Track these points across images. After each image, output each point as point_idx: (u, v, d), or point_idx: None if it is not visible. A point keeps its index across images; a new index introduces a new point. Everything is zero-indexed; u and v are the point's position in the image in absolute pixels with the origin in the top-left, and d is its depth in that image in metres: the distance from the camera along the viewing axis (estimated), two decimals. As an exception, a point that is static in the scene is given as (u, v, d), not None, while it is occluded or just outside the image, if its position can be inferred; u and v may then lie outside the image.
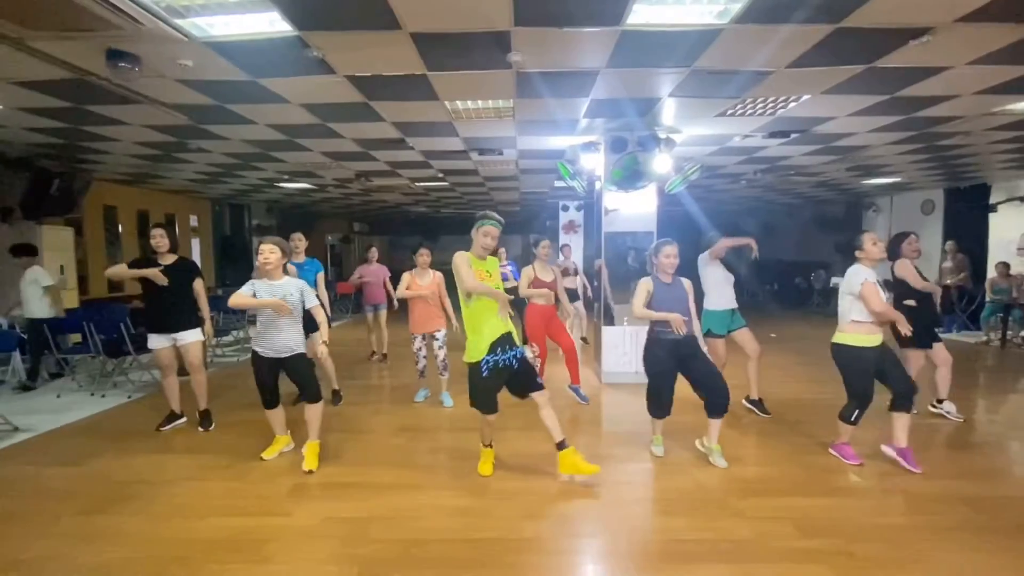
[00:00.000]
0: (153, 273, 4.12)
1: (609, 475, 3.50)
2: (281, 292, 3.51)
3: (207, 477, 3.49)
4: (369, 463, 3.68)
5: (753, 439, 4.12)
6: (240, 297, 3.44)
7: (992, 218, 9.55)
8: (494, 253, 3.43)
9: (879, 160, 7.41)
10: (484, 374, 3.22)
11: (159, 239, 4.24)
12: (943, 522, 2.84)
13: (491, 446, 3.56)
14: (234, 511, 3.03)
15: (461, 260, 3.19)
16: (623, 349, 5.90)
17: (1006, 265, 8.25)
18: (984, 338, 8.21)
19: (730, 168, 8.11)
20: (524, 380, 3.34)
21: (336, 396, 5.18)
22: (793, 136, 5.90)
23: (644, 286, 3.56)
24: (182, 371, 4.45)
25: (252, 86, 4.06)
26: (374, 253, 7.28)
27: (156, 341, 4.27)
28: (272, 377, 3.63)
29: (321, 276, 5.00)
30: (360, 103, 4.56)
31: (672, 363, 3.55)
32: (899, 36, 3.24)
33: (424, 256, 4.97)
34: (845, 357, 3.48)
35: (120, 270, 4.30)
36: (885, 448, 3.59)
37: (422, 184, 9.62)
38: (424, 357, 5.02)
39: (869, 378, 3.41)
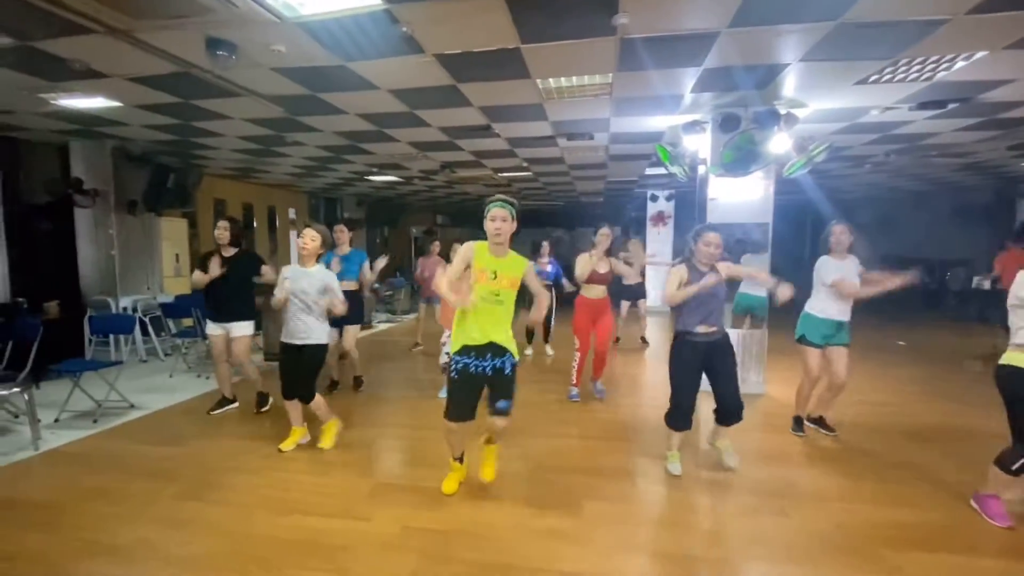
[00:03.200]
0: (212, 274, 4.22)
1: (718, 504, 3.01)
2: (308, 279, 3.51)
3: (293, 468, 3.44)
4: (435, 464, 3.43)
5: (888, 472, 3.39)
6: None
7: None
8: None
9: (1058, 135, 6.07)
10: (454, 375, 2.86)
11: (221, 231, 4.36)
12: None
13: (461, 460, 3.15)
14: (315, 509, 2.92)
15: (461, 251, 2.81)
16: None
17: None
18: None
19: (856, 149, 7.06)
20: (492, 391, 2.90)
21: (357, 382, 5.26)
22: (950, 107, 4.92)
23: (676, 274, 3.17)
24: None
25: (342, 72, 3.96)
26: (436, 246, 7.19)
27: (211, 328, 4.42)
28: (292, 366, 3.58)
29: (367, 264, 5.04)
30: (448, 87, 4.33)
31: (698, 365, 3.17)
32: None
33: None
34: (1014, 385, 2.65)
35: (198, 279, 4.34)
36: None
37: (505, 175, 9.39)
38: (448, 353, 4.73)
39: None
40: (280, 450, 3.67)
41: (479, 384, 2.87)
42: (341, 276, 4.89)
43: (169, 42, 3.45)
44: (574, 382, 4.91)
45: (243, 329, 4.39)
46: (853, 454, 3.65)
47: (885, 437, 3.97)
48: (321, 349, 3.64)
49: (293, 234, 11.59)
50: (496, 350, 2.84)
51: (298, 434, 3.79)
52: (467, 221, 19.66)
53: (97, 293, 6.68)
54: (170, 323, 6.80)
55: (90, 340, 6.16)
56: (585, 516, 2.84)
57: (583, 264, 4.59)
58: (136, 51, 3.56)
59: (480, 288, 2.79)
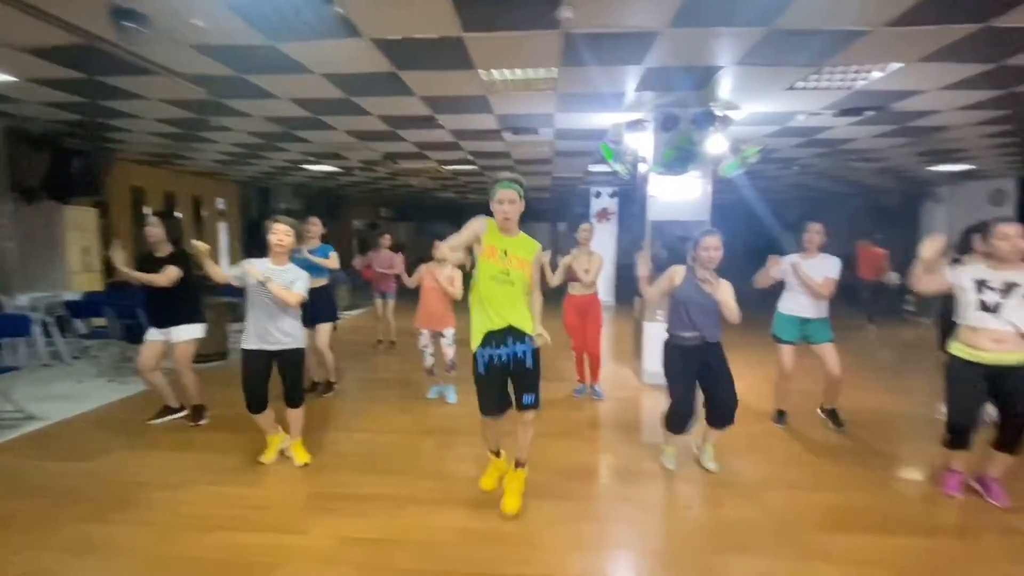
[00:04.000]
0: (148, 279, 3.82)
1: (663, 497, 3.08)
2: (283, 278, 3.19)
3: (220, 481, 3.18)
4: (393, 471, 3.33)
5: (817, 458, 3.60)
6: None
7: (1075, 210, 8.65)
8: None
9: (958, 143, 6.66)
10: (480, 370, 2.78)
11: (152, 229, 3.95)
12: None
13: (499, 454, 3.08)
14: (246, 524, 2.71)
15: (472, 224, 2.71)
16: (667, 347, 5.41)
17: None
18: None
19: (785, 152, 7.45)
20: (515, 385, 2.82)
21: (328, 387, 4.92)
22: (867, 114, 5.26)
23: (670, 273, 3.19)
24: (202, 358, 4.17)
25: (271, 53, 3.69)
26: (387, 239, 7.00)
27: (150, 334, 4.02)
28: (262, 376, 3.27)
29: (334, 254, 4.70)
30: (388, 73, 4.15)
31: (692, 368, 3.15)
32: (1039, -18, 2.65)
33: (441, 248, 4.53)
34: (946, 369, 2.97)
35: (131, 274, 3.89)
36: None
37: (450, 167, 9.22)
38: (431, 355, 4.66)
39: (967, 394, 2.86)
40: (263, 461, 3.39)
41: (505, 375, 2.78)
42: (312, 274, 4.64)
43: (68, 9, 3.07)
44: (578, 378, 4.91)
45: (187, 333, 4.00)
46: (787, 442, 3.84)
47: (817, 424, 4.20)
48: (301, 353, 3.37)
49: (222, 226, 10.89)
50: (515, 334, 2.73)
51: (277, 441, 3.49)
52: (413, 215, 19.23)
53: (-12, 290, 5.98)
54: (79, 323, 6.19)
55: (-20, 343, 5.49)
56: (530, 517, 2.80)
57: (561, 268, 4.56)
58: (27, 18, 3.15)
59: (489, 267, 2.67)
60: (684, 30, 3.34)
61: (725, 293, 3.04)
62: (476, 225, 2.71)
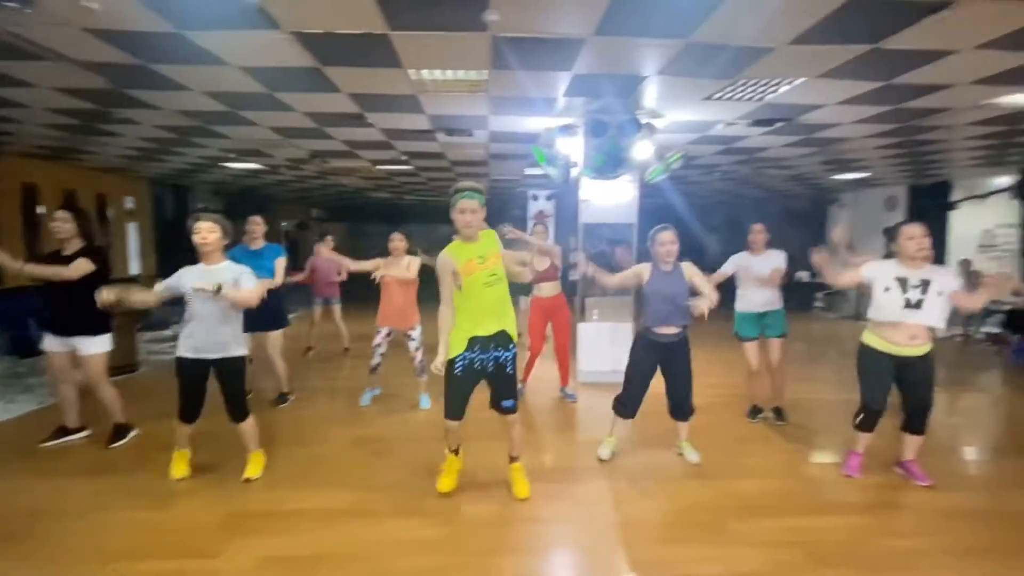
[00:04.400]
0: (53, 272, 3.41)
1: (594, 491, 3.15)
2: (216, 278, 2.96)
3: (123, 505, 2.92)
4: (319, 484, 3.19)
5: (740, 447, 3.84)
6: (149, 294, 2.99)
7: (952, 215, 9.73)
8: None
9: (855, 154, 7.31)
10: (456, 371, 2.79)
11: (59, 224, 3.55)
12: (957, 543, 2.61)
13: (458, 452, 3.10)
14: (151, 552, 2.50)
15: (442, 267, 2.76)
16: (600, 346, 5.56)
17: (968, 262, 8.37)
18: (947, 334, 8.32)
19: (707, 159, 7.87)
20: (495, 390, 2.91)
21: (281, 398, 4.65)
22: (777, 125, 5.66)
23: (637, 268, 3.37)
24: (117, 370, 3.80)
25: (180, 41, 3.43)
26: (329, 242, 6.69)
27: (50, 343, 3.60)
28: (200, 386, 3.07)
29: (281, 262, 4.44)
30: (311, 69, 3.98)
31: (654, 360, 3.35)
32: (916, 10, 2.94)
33: (397, 242, 4.40)
34: (857, 356, 3.26)
35: (32, 270, 3.44)
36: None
37: (384, 167, 9.00)
38: (382, 354, 4.50)
39: (876, 381, 3.14)
40: (174, 478, 3.15)
41: (479, 379, 2.84)
42: (258, 275, 4.33)
43: (-71, -17, 2.71)
44: (522, 379, 4.84)
45: (97, 345, 3.60)
46: (709, 432, 4.03)
47: (736, 415, 4.45)
48: (242, 361, 3.14)
49: (132, 226, 10.03)
50: (502, 339, 2.79)
51: (186, 456, 3.25)
52: (345, 215, 18.60)
53: None
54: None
55: None
56: (461, 522, 2.78)
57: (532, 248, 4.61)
58: None
59: (478, 278, 2.71)
60: (608, 39, 3.44)
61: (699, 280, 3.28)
62: (445, 267, 2.76)
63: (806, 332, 9.09)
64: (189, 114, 5.35)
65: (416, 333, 4.47)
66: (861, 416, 3.22)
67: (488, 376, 2.86)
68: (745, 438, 4.00)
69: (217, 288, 2.86)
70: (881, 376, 3.12)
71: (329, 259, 6.49)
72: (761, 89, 4.46)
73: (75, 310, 3.49)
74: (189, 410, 3.10)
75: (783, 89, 4.44)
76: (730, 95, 4.64)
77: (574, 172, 5.76)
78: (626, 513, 2.94)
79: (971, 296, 3.01)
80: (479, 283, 2.74)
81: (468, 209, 2.70)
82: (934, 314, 2.96)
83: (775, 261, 4.17)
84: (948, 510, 2.92)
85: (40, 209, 7.96)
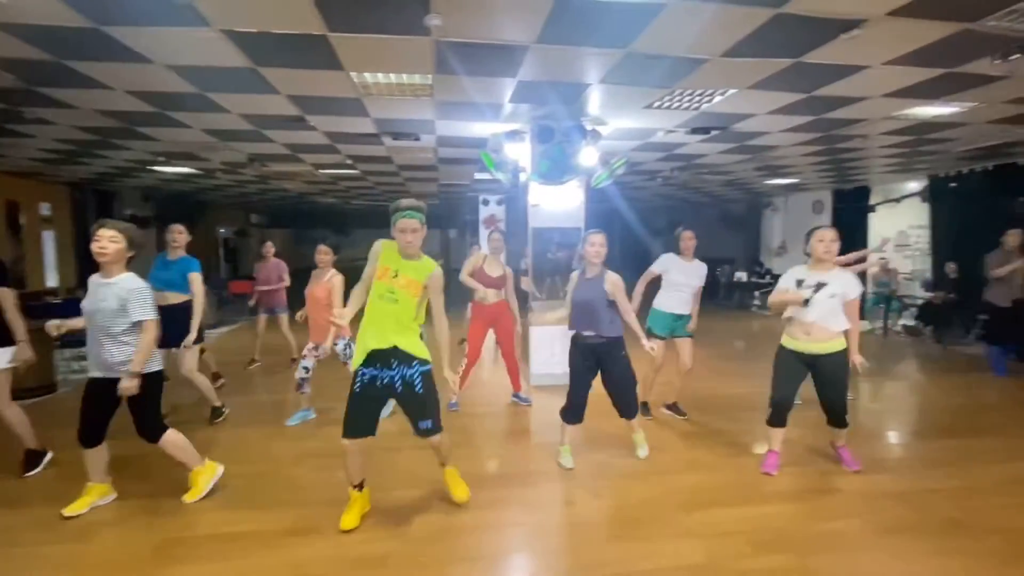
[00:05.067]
0: None
1: (544, 495, 3.17)
2: (104, 293, 2.76)
3: (39, 540, 2.66)
4: (260, 505, 3.02)
5: (683, 443, 3.97)
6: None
7: (871, 217, 10.52)
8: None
9: (784, 160, 7.77)
10: (355, 387, 2.68)
11: None
12: (882, 522, 2.80)
13: (361, 488, 2.81)
14: (70, 588, 2.29)
15: (372, 251, 2.74)
16: (551, 349, 5.62)
17: (885, 260, 9.06)
18: (869, 327, 8.98)
19: (649, 165, 8.15)
20: (408, 413, 2.79)
21: (216, 413, 4.41)
22: (713, 133, 5.93)
23: (571, 280, 3.48)
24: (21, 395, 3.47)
25: (97, 37, 3.21)
26: (270, 248, 6.46)
27: None
28: (100, 404, 2.83)
29: (195, 276, 4.17)
30: (246, 68, 3.82)
31: (590, 364, 3.40)
32: (831, 28, 3.17)
33: (323, 255, 4.22)
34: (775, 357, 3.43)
35: None
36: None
37: (328, 171, 8.76)
38: (306, 368, 4.21)
39: (783, 379, 3.31)
40: (65, 514, 2.83)
41: (384, 398, 2.70)
42: (168, 287, 4.05)
43: None
44: (456, 390, 4.72)
45: None
46: (654, 431, 4.15)
47: (673, 417, 4.60)
48: (158, 375, 2.92)
49: (48, 235, 9.27)
50: (402, 357, 2.66)
51: (97, 492, 2.95)
52: (288, 221, 17.95)
53: None
54: None
55: None
56: (413, 534, 2.72)
57: (466, 267, 4.56)
58: None
59: (379, 286, 2.64)
60: (551, 47, 3.50)
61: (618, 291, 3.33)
62: (375, 249, 2.72)
63: (745, 330, 9.56)
64: (111, 114, 5.01)
65: (341, 346, 4.20)
66: (769, 412, 3.38)
67: (398, 397, 2.72)
68: (688, 433, 4.15)
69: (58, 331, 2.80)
70: (787, 371, 3.30)
71: (273, 265, 6.31)
72: (697, 98, 4.67)
73: None
74: (86, 433, 2.85)
75: (717, 99, 4.66)
76: (668, 104, 4.83)
77: (522, 177, 5.81)
78: (575, 514, 2.98)
79: (853, 316, 3.22)
80: (376, 292, 2.67)
81: (409, 228, 2.62)
82: (815, 311, 3.14)
83: (700, 272, 4.38)
84: (874, 492, 3.14)
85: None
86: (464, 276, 4.65)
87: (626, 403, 3.52)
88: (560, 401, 3.58)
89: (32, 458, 3.44)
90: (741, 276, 12.95)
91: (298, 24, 3.11)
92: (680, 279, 4.28)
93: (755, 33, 3.25)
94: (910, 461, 3.75)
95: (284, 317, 6.37)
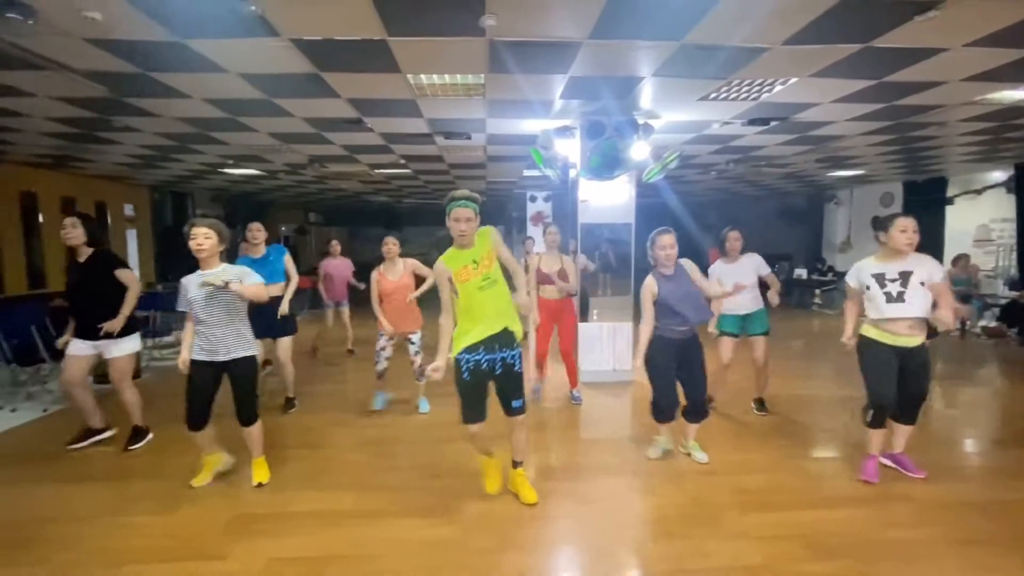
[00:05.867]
0: (130, 308, 3.65)
1: (594, 491, 3.18)
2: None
3: (130, 511, 2.95)
4: (324, 486, 3.21)
5: (742, 442, 3.88)
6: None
7: (948, 211, 9.80)
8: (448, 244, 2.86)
9: (850, 151, 7.36)
10: (464, 376, 2.79)
11: (70, 230, 3.61)
12: (955, 534, 2.65)
13: (490, 455, 3.07)
14: (160, 555, 2.53)
15: (437, 277, 2.78)
16: (600, 346, 5.60)
17: (965, 257, 8.43)
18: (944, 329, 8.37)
19: (703, 158, 7.93)
20: (503, 391, 2.90)
21: (289, 404, 4.68)
22: (772, 124, 5.71)
23: (647, 289, 3.26)
24: (102, 378, 3.85)
25: (180, 50, 3.47)
26: (336, 246, 6.85)
27: (75, 348, 3.66)
28: (208, 390, 3.07)
29: (289, 259, 4.60)
30: (310, 75, 4.02)
31: (675, 362, 3.32)
32: (905, 10, 2.99)
33: (390, 245, 4.40)
34: (859, 351, 3.19)
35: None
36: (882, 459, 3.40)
37: (382, 171, 9.04)
38: (387, 358, 4.49)
39: (882, 375, 3.06)
40: (193, 485, 3.15)
41: (488, 380, 2.82)
42: (267, 280, 4.38)
43: (-67, -4, 2.74)
44: (538, 378, 4.86)
45: (126, 347, 3.70)
46: (711, 430, 4.06)
47: (734, 411, 4.49)
48: (253, 361, 3.15)
49: (131, 233, 10.06)
50: (506, 339, 2.79)
51: (215, 461, 3.26)
52: (344, 219, 18.62)
53: None
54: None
55: None
56: (467, 521, 2.81)
57: (533, 263, 4.61)
58: None
59: (472, 284, 2.73)
60: (604, 42, 3.49)
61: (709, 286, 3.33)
62: (441, 275, 2.77)
63: (804, 330, 9.14)
64: (189, 121, 5.39)
65: (416, 337, 4.48)
66: (871, 412, 3.14)
67: (496, 377, 2.84)
68: (744, 434, 4.04)
69: (224, 283, 2.89)
70: (887, 368, 3.06)
71: (340, 262, 6.70)
72: (756, 89, 4.51)
73: (105, 315, 3.60)
74: (196, 418, 3.09)
75: (777, 88, 4.49)
76: (725, 95, 4.69)
77: (572, 173, 5.81)
78: (628, 510, 2.98)
79: (944, 294, 2.99)
80: (473, 288, 2.74)
81: (463, 218, 2.70)
82: (917, 304, 2.95)
83: (752, 264, 4.24)
84: (949, 501, 2.96)
85: (41, 217, 8.00)
86: (532, 284, 4.61)
87: (701, 403, 3.38)
88: (609, 398, 3.60)
89: (137, 434, 3.84)
90: (800, 273, 12.36)
91: (360, 30, 3.25)
92: (732, 282, 4.17)
93: (820, 19, 3.12)
94: (990, 470, 3.50)
95: (346, 310, 6.75)
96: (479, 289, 2.75)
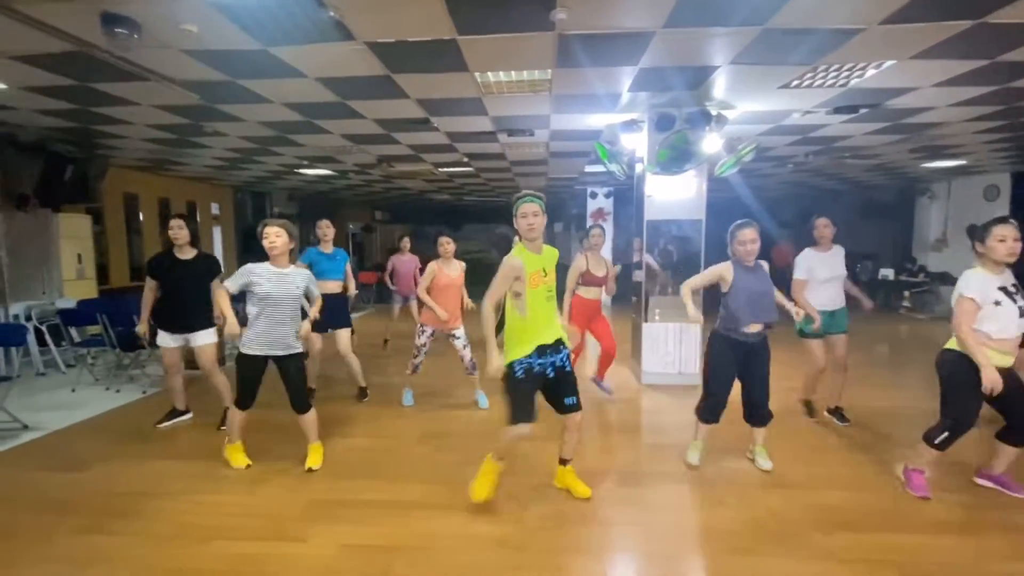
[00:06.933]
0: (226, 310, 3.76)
1: (662, 497, 3.07)
2: (290, 282, 3.22)
3: (217, 489, 3.17)
4: (392, 477, 3.31)
5: (821, 456, 3.61)
6: (222, 294, 3.21)
7: (1068, 205, 8.69)
8: (508, 243, 2.89)
9: (951, 140, 6.68)
10: (519, 375, 2.76)
11: (177, 230, 3.98)
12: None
13: (502, 460, 2.94)
14: (245, 533, 2.69)
15: (505, 270, 2.70)
16: (665, 348, 5.42)
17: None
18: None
19: (780, 150, 7.47)
20: (557, 391, 2.86)
21: (362, 393, 4.93)
22: (861, 111, 5.27)
23: (719, 270, 3.16)
24: (193, 364, 4.18)
25: (264, 57, 3.67)
26: (406, 243, 7.11)
27: (165, 339, 4.02)
28: (258, 379, 3.31)
29: (349, 268, 4.96)
30: (382, 76, 4.13)
31: (734, 360, 3.19)
32: (1031, -21, 2.66)
33: (447, 244, 4.50)
34: (947, 367, 2.87)
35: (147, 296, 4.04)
36: (979, 480, 3.08)
37: (446, 170, 9.20)
38: (426, 353, 4.56)
39: (972, 400, 2.77)
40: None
41: (541, 382, 2.83)
42: (326, 275, 4.61)
43: (58, 17, 3.05)
44: (597, 375, 4.91)
45: (208, 338, 4.05)
46: (786, 441, 3.83)
47: (815, 423, 4.20)
48: (303, 357, 3.41)
49: (217, 231, 10.84)
50: (558, 345, 2.84)
51: (234, 457, 3.48)
52: (407, 217, 19.19)
53: (-19, 299, 5.92)
54: (72, 331, 6.15)
55: (-27, 353, 5.45)
56: (529, 521, 2.79)
57: (571, 274, 4.56)
58: (19, 26, 3.12)
59: (540, 291, 2.75)
60: (678, 30, 3.34)
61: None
62: (512, 271, 2.71)
63: (890, 335, 8.42)
64: (270, 124, 5.71)
65: (460, 332, 4.53)
66: (945, 435, 2.85)
67: (548, 380, 2.82)
68: (823, 447, 3.76)
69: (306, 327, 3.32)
70: (976, 389, 2.74)
71: (410, 259, 6.94)
72: (844, 74, 4.18)
73: (194, 307, 3.98)
74: (248, 399, 3.34)
75: (869, 73, 4.14)
76: (809, 82, 4.38)
77: (638, 168, 5.64)
78: (697, 520, 2.85)
79: None
80: (541, 296, 2.75)
81: (531, 212, 2.71)
82: None
83: (840, 258, 3.99)
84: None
85: (140, 216, 8.78)
86: (572, 284, 4.58)
87: (763, 406, 3.25)
88: (673, 401, 3.45)
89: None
90: (887, 273, 11.40)
91: (432, 31, 3.30)
92: (825, 273, 3.89)
93: (925, -6, 2.83)
94: None
95: (414, 304, 6.99)
96: (547, 299, 2.78)
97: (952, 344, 2.88)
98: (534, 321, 2.75)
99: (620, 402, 4.85)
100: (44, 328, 6.03)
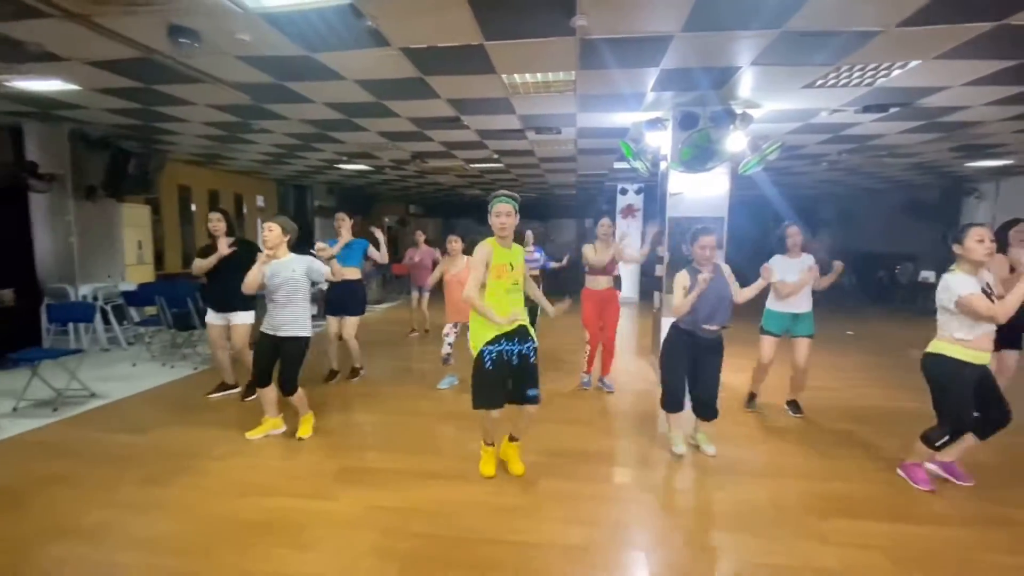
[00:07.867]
0: (215, 258, 4.38)
1: (665, 478, 3.24)
2: (286, 268, 3.57)
3: (258, 453, 3.53)
4: (411, 450, 3.59)
5: (828, 451, 3.68)
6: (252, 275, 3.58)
7: None
8: (520, 239, 3.11)
9: (992, 139, 6.48)
10: (487, 364, 2.94)
11: (216, 223, 4.42)
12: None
13: (493, 444, 3.26)
14: (280, 491, 3.01)
15: (478, 255, 2.92)
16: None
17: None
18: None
19: (811, 148, 7.39)
20: (519, 381, 3.01)
21: (354, 372, 5.26)
22: (892, 111, 5.22)
23: (680, 282, 3.35)
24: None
25: (308, 62, 3.98)
26: (420, 236, 7.41)
27: (211, 317, 4.50)
28: (268, 357, 3.63)
29: (371, 250, 5.07)
30: (415, 79, 4.40)
31: (688, 354, 3.37)
32: (1049, -19, 2.67)
33: (454, 243, 4.83)
34: (933, 369, 2.96)
35: (201, 265, 4.45)
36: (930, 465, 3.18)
37: (476, 166, 9.46)
38: (451, 344, 4.88)
39: (967, 401, 2.87)
40: (247, 437, 3.73)
41: (509, 370, 2.97)
42: (341, 263, 4.96)
43: (130, 28, 3.43)
44: (585, 370, 5.07)
45: (243, 318, 4.47)
46: (792, 434, 3.93)
47: (823, 418, 4.26)
48: (303, 341, 3.66)
49: (260, 221, 11.43)
50: (523, 334, 3.00)
51: (270, 424, 3.82)
52: (439, 211, 19.62)
53: (55, 281, 6.52)
54: (133, 312, 6.72)
55: (47, 329, 6.04)
56: (539, 493, 3.01)
57: (588, 252, 4.78)
58: (95, 35, 3.52)
59: (502, 283, 2.94)
60: (697, 34, 3.46)
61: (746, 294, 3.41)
62: (484, 256, 2.93)
63: (924, 339, 8.18)
64: (312, 123, 6.08)
65: None
66: (946, 439, 2.93)
67: (513, 368, 2.97)
68: (836, 443, 3.82)
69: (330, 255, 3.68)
70: (968, 389, 2.87)
71: (426, 251, 7.24)
72: (869, 74, 4.19)
73: (232, 290, 4.27)
74: (260, 376, 3.66)
75: (895, 73, 4.14)
76: (834, 81, 4.40)
77: (663, 166, 5.73)
78: (695, 500, 3.02)
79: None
80: (502, 289, 2.93)
81: (504, 212, 2.89)
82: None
83: (808, 265, 4.04)
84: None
85: (192, 206, 9.40)
86: (588, 262, 4.79)
87: (711, 403, 3.44)
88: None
89: (250, 387, 4.55)
90: (928, 276, 11.01)
91: (460, 37, 3.53)
92: (792, 278, 4.01)
93: (941, -3, 2.87)
94: None
95: (427, 296, 7.33)
96: (507, 292, 2.95)
97: (934, 348, 2.97)
98: (499, 308, 2.92)
99: (636, 392, 4.99)
100: (108, 308, 6.61)
